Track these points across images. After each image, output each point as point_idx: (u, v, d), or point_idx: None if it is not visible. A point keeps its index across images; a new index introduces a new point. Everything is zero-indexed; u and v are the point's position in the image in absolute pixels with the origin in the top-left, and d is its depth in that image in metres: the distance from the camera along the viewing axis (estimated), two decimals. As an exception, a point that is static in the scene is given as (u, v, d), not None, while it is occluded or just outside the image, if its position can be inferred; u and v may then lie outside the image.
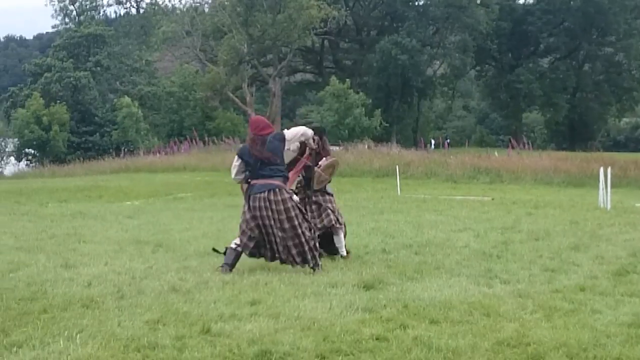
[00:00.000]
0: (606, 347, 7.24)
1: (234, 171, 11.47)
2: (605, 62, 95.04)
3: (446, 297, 9.27)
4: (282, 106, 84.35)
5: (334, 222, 12.31)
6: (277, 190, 11.09)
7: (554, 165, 36.25)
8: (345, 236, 12.69)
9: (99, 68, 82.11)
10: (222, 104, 75.91)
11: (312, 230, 11.34)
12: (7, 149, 73.51)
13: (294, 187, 12.18)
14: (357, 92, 67.94)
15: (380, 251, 13.20)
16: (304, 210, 11.46)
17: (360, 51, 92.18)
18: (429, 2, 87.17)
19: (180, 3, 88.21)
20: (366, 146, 47.98)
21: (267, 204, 11.04)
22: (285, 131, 11.82)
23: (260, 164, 11.11)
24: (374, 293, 9.54)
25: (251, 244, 11.22)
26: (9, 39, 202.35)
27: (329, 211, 12.36)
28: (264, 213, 11.05)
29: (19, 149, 72.68)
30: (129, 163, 50.90)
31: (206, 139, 59.87)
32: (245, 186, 11.43)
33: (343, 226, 12.58)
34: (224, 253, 11.50)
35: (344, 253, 12.49)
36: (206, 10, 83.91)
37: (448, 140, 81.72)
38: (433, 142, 56.27)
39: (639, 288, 10.02)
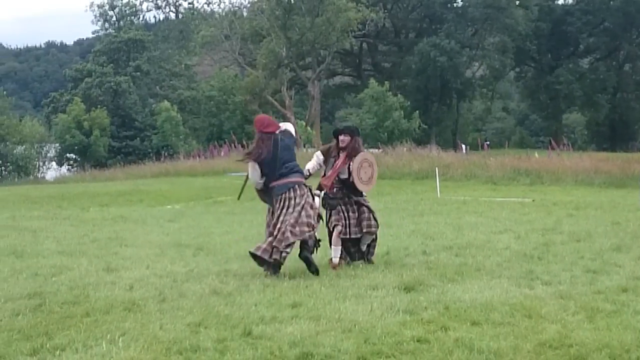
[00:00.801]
0: (649, 349, 7.19)
1: (256, 175, 11.45)
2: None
3: (487, 299, 9.24)
4: (321, 109, 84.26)
5: (374, 227, 12.20)
6: (296, 186, 11.27)
7: (594, 166, 35.97)
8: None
9: (138, 73, 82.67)
10: (261, 108, 75.92)
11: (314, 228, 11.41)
12: (48, 154, 74.06)
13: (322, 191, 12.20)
14: (396, 95, 67.75)
15: (421, 253, 13.19)
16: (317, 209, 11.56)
17: (399, 53, 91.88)
18: (467, 4, 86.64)
19: (219, 7, 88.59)
20: (405, 148, 47.82)
21: (290, 201, 11.16)
22: (289, 125, 11.92)
23: (276, 163, 11.20)
24: (415, 295, 9.53)
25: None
26: (50, 45, 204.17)
27: (370, 214, 12.21)
28: (286, 204, 11.15)
29: (61, 154, 73.27)
30: (169, 167, 51.08)
31: (245, 142, 59.91)
32: (260, 192, 11.62)
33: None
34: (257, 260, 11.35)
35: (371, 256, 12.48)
36: (245, 14, 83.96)
37: (488, 142, 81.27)
38: (464, 147, 56.03)
39: (682, 289, 9.94)
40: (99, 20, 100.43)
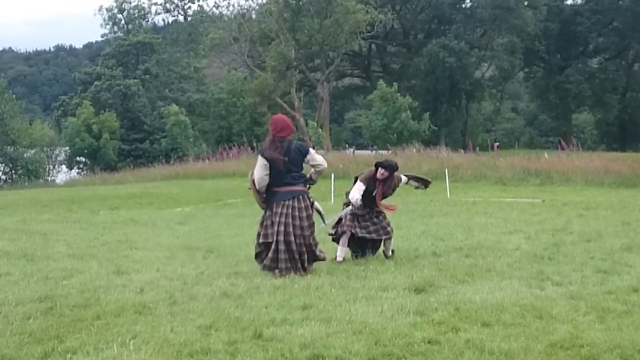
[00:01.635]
0: (661, 349, 7.18)
1: (263, 173, 11.37)
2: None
3: (498, 300, 9.24)
4: (330, 111, 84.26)
5: (391, 232, 13.08)
6: (301, 197, 11.37)
7: (604, 166, 35.94)
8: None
9: (147, 76, 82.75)
10: (270, 110, 75.89)
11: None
12: (58, 158, 74.16)
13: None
14: (405, 96, 67.69)
15: (431, 254, 13.20)
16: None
17: (408, 54, 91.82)
18: (476, 4, 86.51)
19: (228, 10, 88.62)
20: (415, 150, 47.81)
21: (291, 210, 11.24)
22: (312, 152, 11.80)
23: (282, 170, 11.22)
24: (425, 296, 9.53)
25: (271, 256, 11.37)
26: (59, 48, 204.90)
27: (388, 221, 13.18)
28: (289, 220, 11.17)
29: (70, 157, 73.35)
30: (179, 170, 51.13)
31: (255, 144, 59.95)
32: (258, 194, 11.62)
33: None
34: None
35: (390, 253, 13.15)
36: (253, 16, 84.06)
37: (497, 143, 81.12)
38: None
39: (694, 289, 9.93)
40: (107, 24, 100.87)
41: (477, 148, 52.56)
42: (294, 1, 73.29)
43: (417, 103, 69.48)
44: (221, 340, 7.58)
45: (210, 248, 14.57)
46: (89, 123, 69.45)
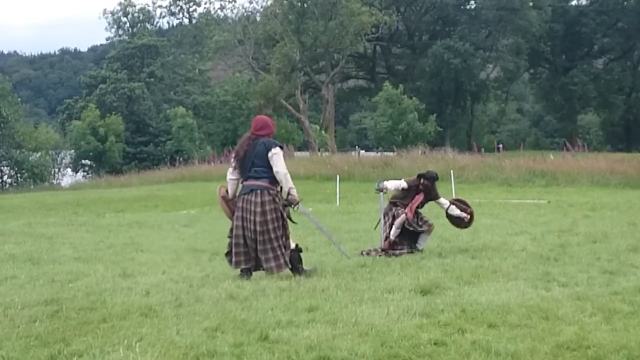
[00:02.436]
0: (668, 350, 7.16)
1: (230, 169, 11.61)
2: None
3: (504, 301, 9.22)
4: (336, 113, 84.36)
5: (433, 225, 14.32)
6: (258, 191, 11.18)
7: (610, 167, 35.93)
8: None
9: (152, 79, 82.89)
10: (275, 112, 76.03)
11: (286, 238, 11.41)
12: (64, 161, 74.31)
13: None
14: (410, 97, 67.77)
15: (437, 255, 13.19)
16: (284, 215, 11.41)
17: (413, 56, 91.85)
18: (480, 6, 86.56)
19: (232, 12, 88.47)
20: (420, 151, 47.80)
21: (247, 205, 11.17)
22: (277, 151, 11.36)
23: (247, 164, 11.25)
24: (431, 298, 9.51)
25: (234, 251, 11.39)
26: (64, 52, 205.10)
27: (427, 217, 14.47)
28: (245, 215, 11.17)
29: (76, 161, 73.54)
30: (184, 172, 51.17)
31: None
32: (223, 190, 11.69)
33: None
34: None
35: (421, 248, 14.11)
36: (258, 19, 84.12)
37: (501, 145, 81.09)
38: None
39: (700, 289, 9.91)
40: (112, 27, 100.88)
41: (483, 149, 52.58)
42: (299, 3, 73.37)
43: (422, 104, 69.57)
44: (227, 343, 7.57)
45: (215, 250, 14.56)
46: (94, 126, 69.67)
